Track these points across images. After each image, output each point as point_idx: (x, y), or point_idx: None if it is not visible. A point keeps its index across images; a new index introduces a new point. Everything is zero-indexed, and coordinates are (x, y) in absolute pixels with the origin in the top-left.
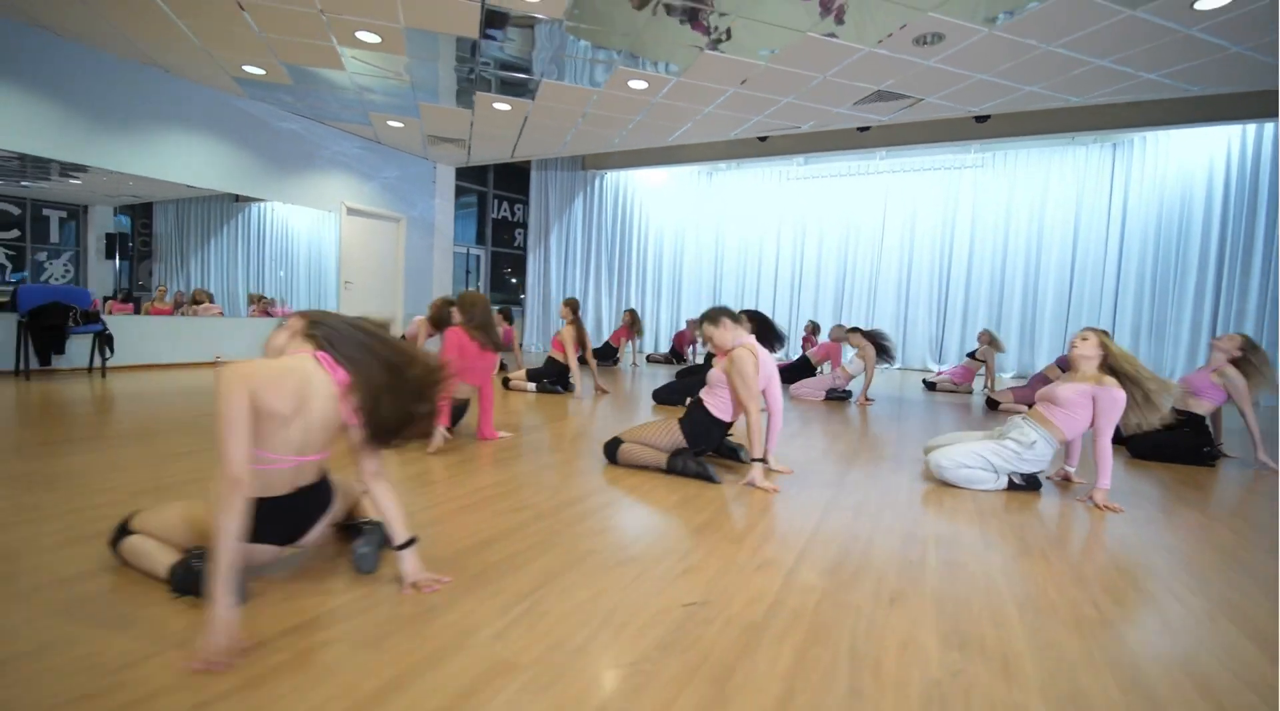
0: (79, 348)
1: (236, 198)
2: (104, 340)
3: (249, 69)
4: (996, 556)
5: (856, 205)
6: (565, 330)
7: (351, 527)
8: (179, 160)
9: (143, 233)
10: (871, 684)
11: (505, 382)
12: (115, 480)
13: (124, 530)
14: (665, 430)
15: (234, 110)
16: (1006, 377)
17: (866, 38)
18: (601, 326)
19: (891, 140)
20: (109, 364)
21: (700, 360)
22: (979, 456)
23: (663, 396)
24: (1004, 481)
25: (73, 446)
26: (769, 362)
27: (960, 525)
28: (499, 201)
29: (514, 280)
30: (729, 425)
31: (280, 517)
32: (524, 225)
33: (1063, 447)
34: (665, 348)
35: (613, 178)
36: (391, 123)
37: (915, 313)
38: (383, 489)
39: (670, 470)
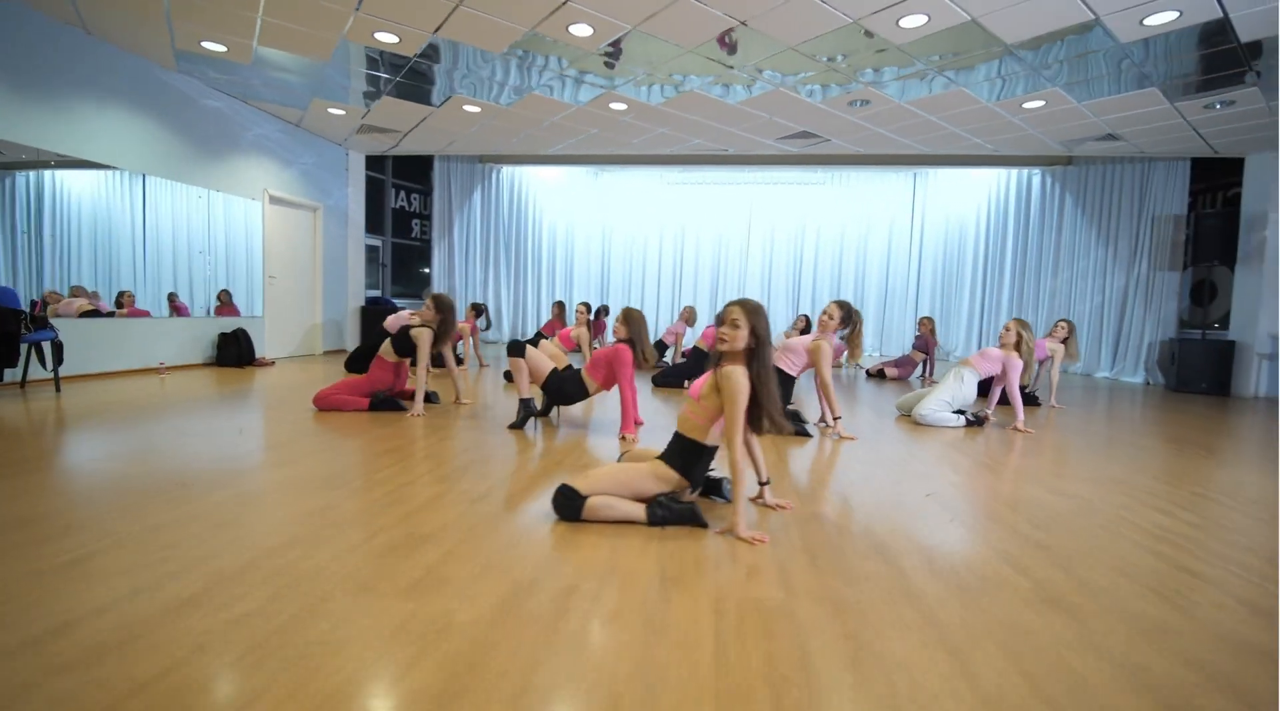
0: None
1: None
2: (56, 348)
3: (208, 44)
4: (980, 471)
5: (726, 213)
6: (579, 330)
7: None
8: (96, 137)
9: None
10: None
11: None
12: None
13: (575, 496)
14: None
15: (158, 84)
16: (876, 355)
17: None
18: (503, 322)
19: (754, 159)
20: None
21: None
22: (943, 401)
23: (665, 380)
24: (962, 420)
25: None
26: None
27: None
28: (397, 190)
29: (425, 270)
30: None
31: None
32: (423, 216)
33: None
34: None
35: (509, 172)
36: (333, 110)
37: (775, 306)
38: (754, 441)
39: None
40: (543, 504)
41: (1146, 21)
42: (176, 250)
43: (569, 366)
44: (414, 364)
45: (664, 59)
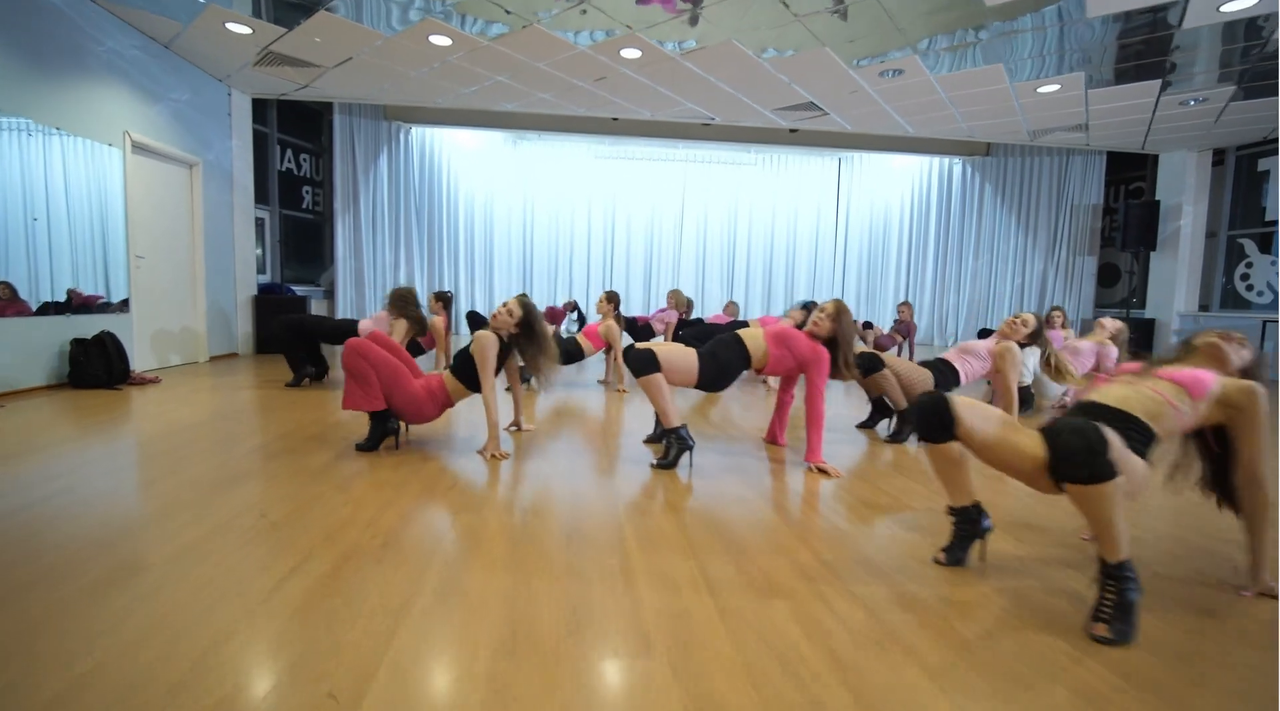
0: None
1: None
2: None
3: None
4: None
5: (658, 190)
6: (608, 325)
7: None
8: None
9: None
10: None
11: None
12: None
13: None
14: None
15: None
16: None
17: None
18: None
19: (687, 134)
20: None
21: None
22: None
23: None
24: None
25: None
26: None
27: None
28: (284, 148)
29: (318, 248)
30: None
31: None
32: (315, 182)
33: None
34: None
35: (420, 134)
36: (235, 26)
37: (710, 289)
38: None
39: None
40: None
41: (1224, 9)
42: (8, 216)
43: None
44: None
45: None
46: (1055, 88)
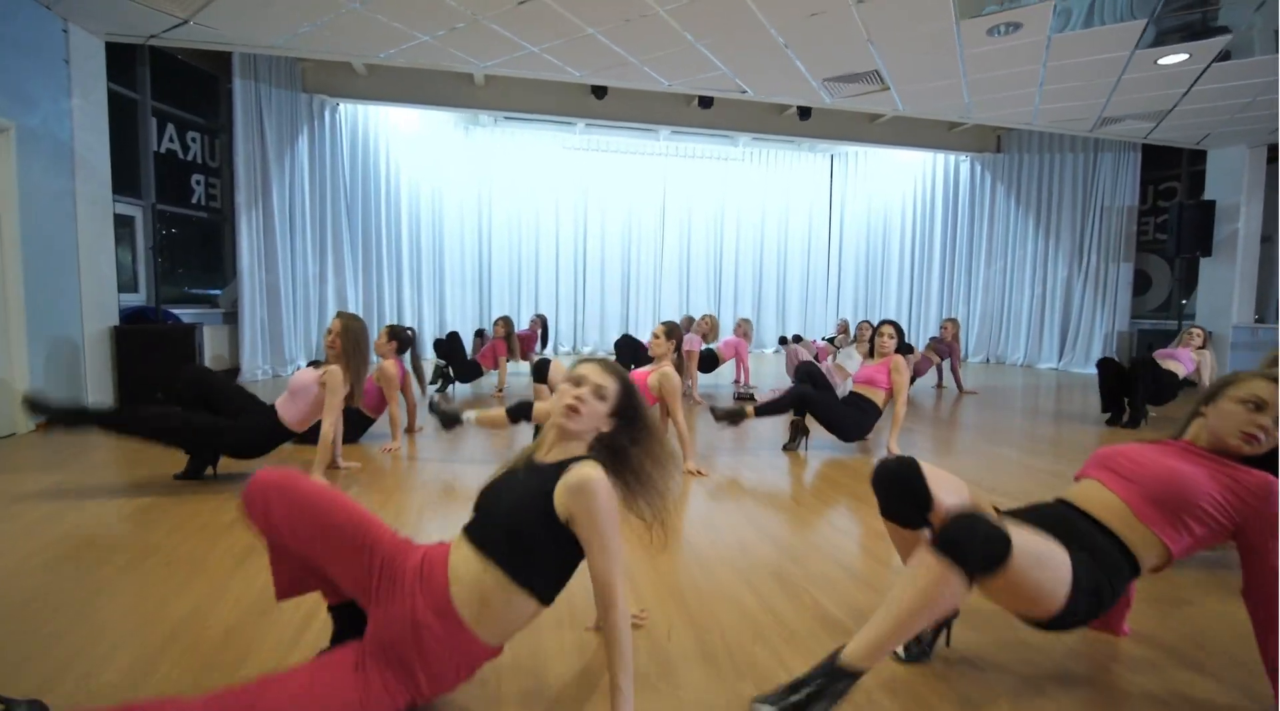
0: None
1: None
2: None
3: None
4: None
5: (637, 189)
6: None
7: None
8: None
9: None
10: None
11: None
12: None
13: None
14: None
15: None
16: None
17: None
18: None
19: (671, 119)
20: None
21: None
22: None
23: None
24: None
25: None
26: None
27: None
28: (164, 122)
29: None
30: None
31: None
32: (210, 168)
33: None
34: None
35: (349, 113)
36: None
37: (693, 299)
38: None
39: None
40: None
41: None
42: None
43: None
44: None
45: None
46: (1182, 58)
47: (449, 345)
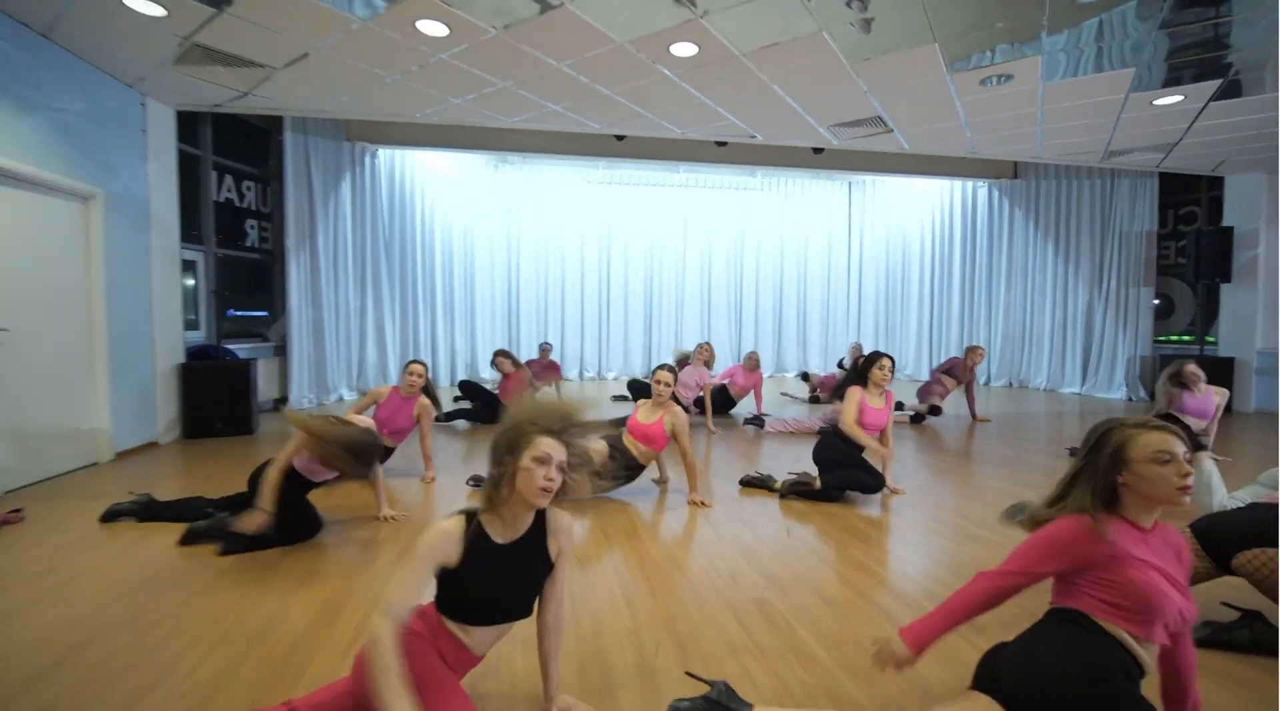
0: None
1: None
2: None
3: None
4: None
5: (658, 219)
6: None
7: None
8: None
9: None
10: None
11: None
12: None
13: None
14: None
15: None
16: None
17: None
18: (389, 366)
19: (692, 156)
20: None
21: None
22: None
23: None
24: None
25: None
26: None
27: None
28: (222, 174)
29: (266, 296)
30: None
31: None
32: (261, 213)
33: None
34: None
35: (387, 157)
36: (139, 3)
37: (715, 326)
38: None
39: None
40: None
41: None
42: None
43: None
44: None
45: None
46: (1177, 98)
47: (473, 388)
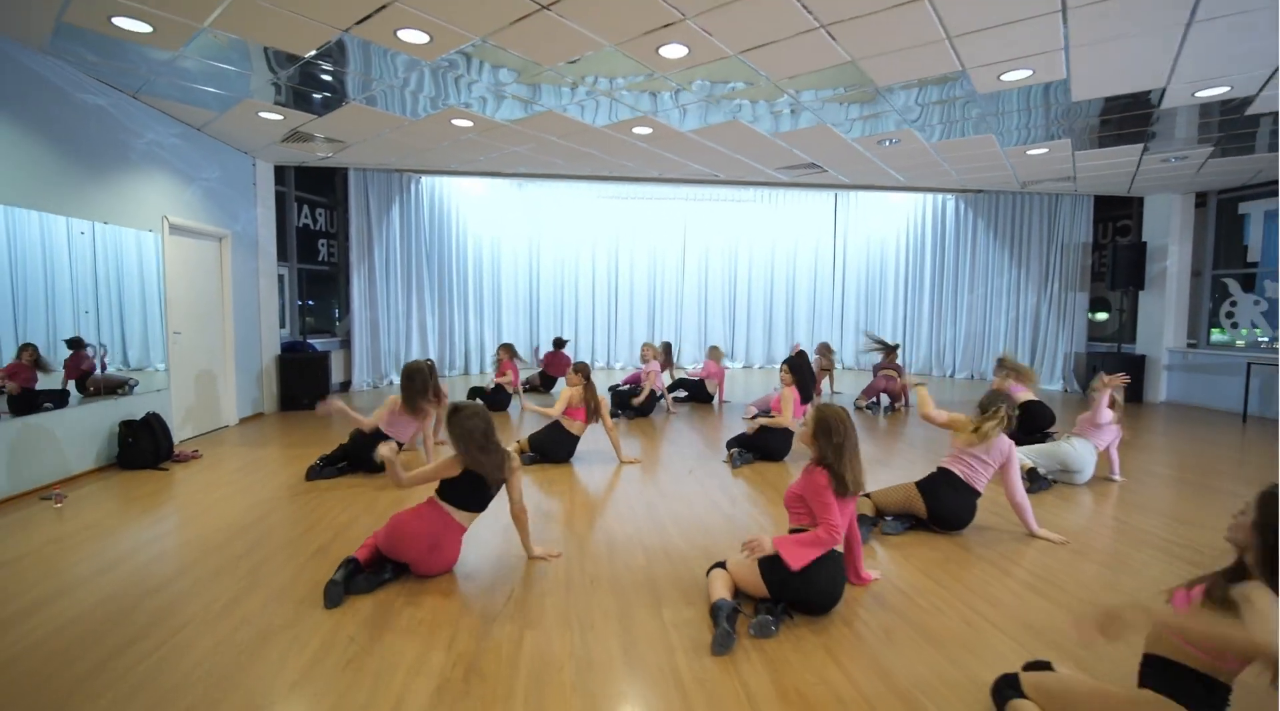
0: None
1: None
2: None
3: (125, 22)
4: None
5: (660, 229)
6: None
7: None
8: None
9: None
10: None
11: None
12: None
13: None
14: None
15: (19, 72)
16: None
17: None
18: (428, 356)
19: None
20: None
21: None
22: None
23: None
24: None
25: None
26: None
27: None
28: (301, 205)
29: (334, 301)
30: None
31: None
32: (329, 233)
33: None
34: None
35: (429, 183)
36: (267, 114)
37: (710, 325)
38: None
39: None
40: None
41: (1198, 94)
42: (57, 309)
43: None
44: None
45: (727, 73)
46: (1044, 151)
47: (475, 393)
